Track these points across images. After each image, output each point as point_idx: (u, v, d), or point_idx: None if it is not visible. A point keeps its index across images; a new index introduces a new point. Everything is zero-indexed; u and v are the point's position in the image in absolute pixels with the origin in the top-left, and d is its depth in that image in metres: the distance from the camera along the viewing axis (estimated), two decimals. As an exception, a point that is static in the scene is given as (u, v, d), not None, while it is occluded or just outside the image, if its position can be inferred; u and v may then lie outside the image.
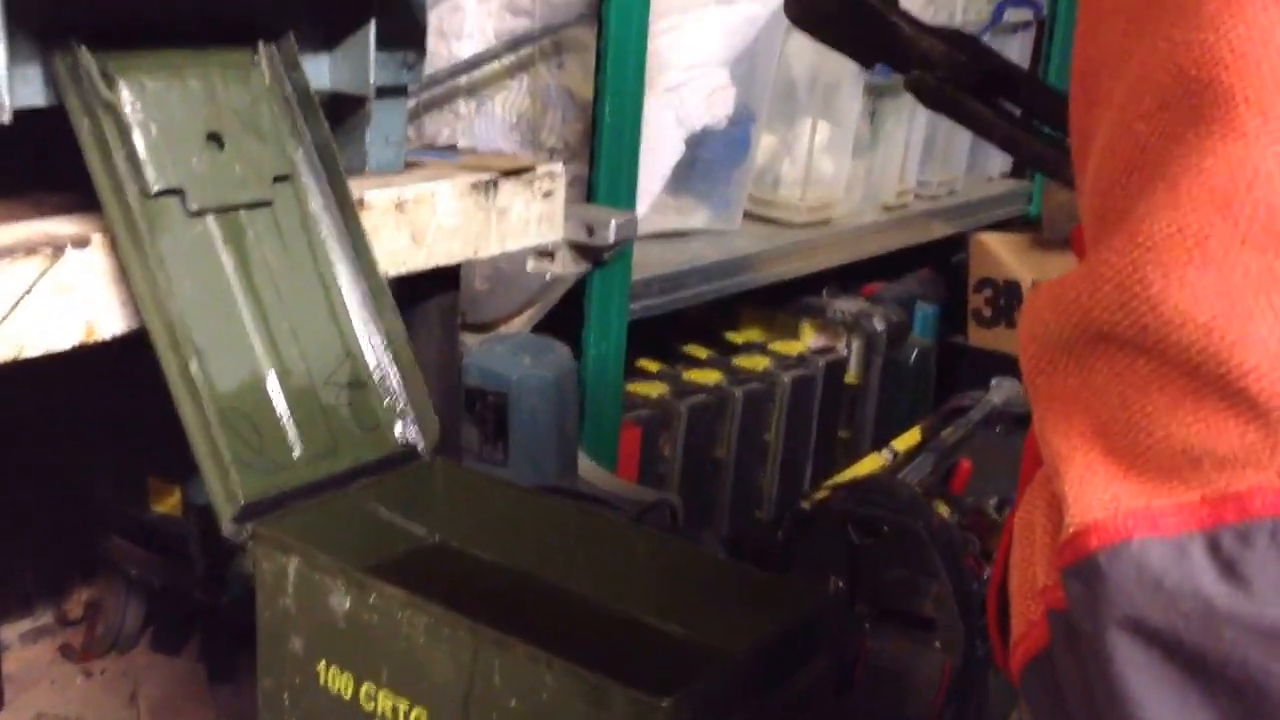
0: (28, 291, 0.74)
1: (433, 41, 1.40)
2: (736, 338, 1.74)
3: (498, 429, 1.10)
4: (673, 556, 0.79)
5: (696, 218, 1.55)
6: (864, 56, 0.93)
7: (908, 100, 1.65)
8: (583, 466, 1.22)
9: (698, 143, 1.49)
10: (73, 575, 1.21)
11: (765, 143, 1.62)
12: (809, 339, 1.75)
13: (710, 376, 1.58)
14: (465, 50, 1.41)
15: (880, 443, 1.70)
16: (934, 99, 0.93)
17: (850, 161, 1.68)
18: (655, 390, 1.51)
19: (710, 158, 1.52)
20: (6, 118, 0.73)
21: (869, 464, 1.52)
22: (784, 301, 1.76)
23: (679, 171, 1.50)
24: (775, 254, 1.60)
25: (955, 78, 0.93)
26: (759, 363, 1.63)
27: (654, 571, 0.78)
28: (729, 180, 1.56)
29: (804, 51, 1.57)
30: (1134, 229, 0.35)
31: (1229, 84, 0.33)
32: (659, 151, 1.45)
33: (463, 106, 1.45)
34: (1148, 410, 0.34)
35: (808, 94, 1.61)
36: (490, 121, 1.45)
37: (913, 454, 1.61)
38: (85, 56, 0.76)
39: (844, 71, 1.62)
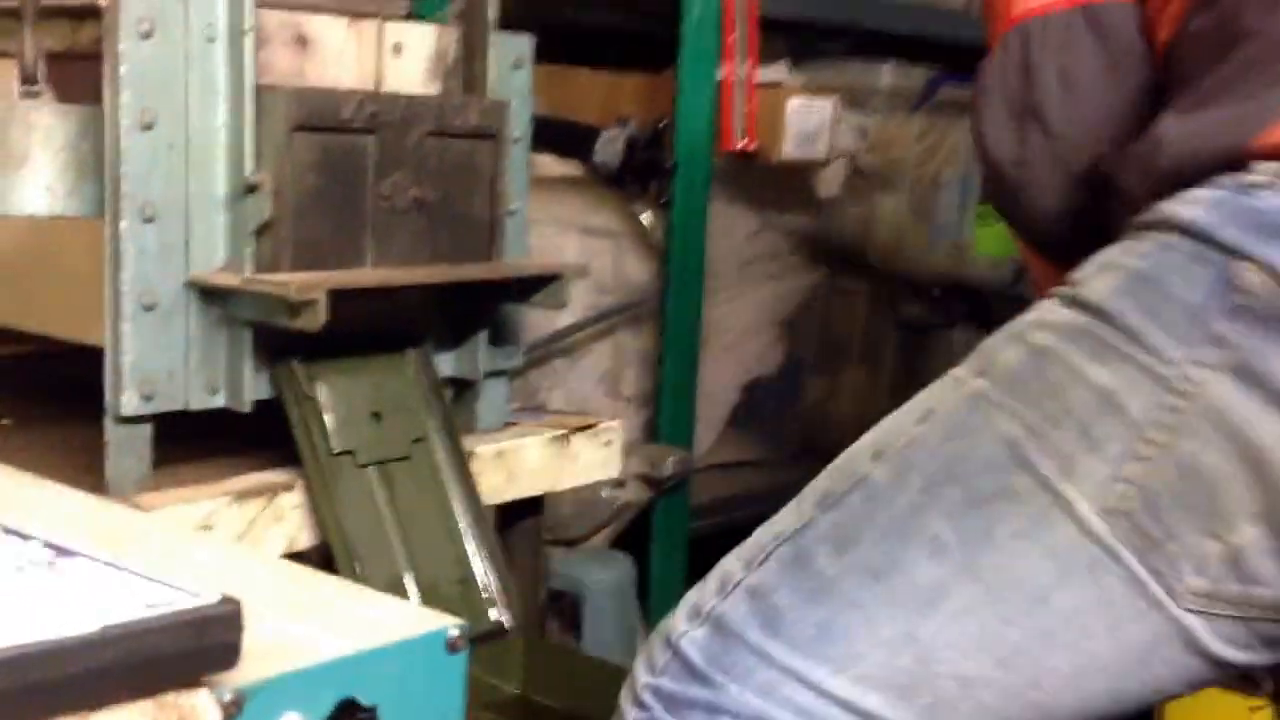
0: (255, 519, 1.27)
1: (535, 315, 1.96)
2: (799, 553, 2.20)
3: (573, 621, 1.58)
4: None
5: (752, 451, 2.04)
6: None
7: (943, 340, 2.14)
8: (646, 656, 1.68)
9: (752, 389, 2.00)
10: None
11: (815, 384, 2.12)
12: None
13: (770, 586, 2.04)
14: (562, 321, 1.96)
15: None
16: None
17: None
18: (720, 597, 1.98)
19: (763, 401, 2.02)
20: (249, 408, 1.27)
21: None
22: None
23: (737, 412, 2.00)
24: (824, 480, 2.07)
25: None
26: (815, 574, 2.09)
27: None
28: (780, 419, 2.05)
29: (843, 309, 2.09)
30: None
31: None
32: (718, 397, 1.96)
33: (559, 364, 1.99)
34: None
35: (847, 343, 2.12)
36: (581, 376, 1.98)
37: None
38: (297, 367, 1.30)
39: (883, 324, 2.12)
